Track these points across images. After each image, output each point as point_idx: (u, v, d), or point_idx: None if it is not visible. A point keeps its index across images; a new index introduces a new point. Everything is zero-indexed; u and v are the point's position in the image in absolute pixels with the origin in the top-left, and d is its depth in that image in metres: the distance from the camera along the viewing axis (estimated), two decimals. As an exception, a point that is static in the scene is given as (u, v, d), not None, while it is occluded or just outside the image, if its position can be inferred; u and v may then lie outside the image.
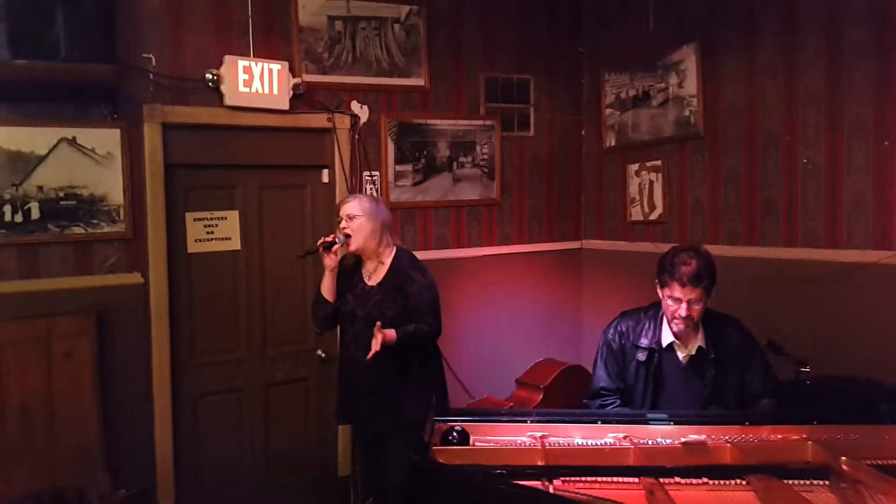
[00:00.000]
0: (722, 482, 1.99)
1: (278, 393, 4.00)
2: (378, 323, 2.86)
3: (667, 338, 2.72)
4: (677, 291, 2.58)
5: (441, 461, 2.06)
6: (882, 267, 3.16)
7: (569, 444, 2.29)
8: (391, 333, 2.89)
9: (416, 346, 2.99)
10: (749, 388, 2.70)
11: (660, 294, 2.69)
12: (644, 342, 2.74)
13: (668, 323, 2.69)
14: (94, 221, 3.38)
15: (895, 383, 2.83)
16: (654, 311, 2.79)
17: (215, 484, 3.82)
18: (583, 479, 2.01)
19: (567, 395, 4.10)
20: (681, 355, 2.73)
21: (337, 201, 3.92)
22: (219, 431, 3.83)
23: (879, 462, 2.04)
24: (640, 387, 2.74)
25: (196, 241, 3.75)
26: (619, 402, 2.77)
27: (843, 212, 3.34)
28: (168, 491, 3.63)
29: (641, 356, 2.73)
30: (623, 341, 2.79)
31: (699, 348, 2.71)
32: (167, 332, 3.60)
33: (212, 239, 3.80)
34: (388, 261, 3.11)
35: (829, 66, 3.35)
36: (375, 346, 2.82)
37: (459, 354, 4.20)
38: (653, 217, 4.34)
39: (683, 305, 2.57)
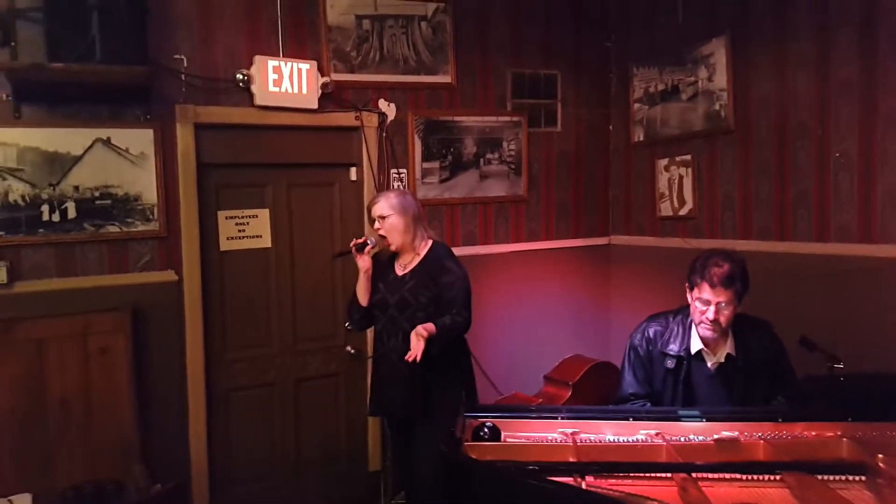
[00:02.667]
0: (755, 478, 1.98)
1: (309, 388, 4.04)
2: (417, 328, 2.84)
3: (696, 345, 2.67)
4: (707, 292, 2.53)
5: (473, 457, 2.08)
6: (918, 261, 3.11)
7: (600, 441, 2.30)
8: (431, 326, 2.88)
9: (452, 338, 3.01)
10: (775, 396, 2.66)
11: (689, 298, 2.65)
12: (673, 349, 2.70)
13: (696, 326, 2.64)
14: (129, 220, 3.45)
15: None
16: (682, 315, 2.74)
17: (248, 477, 3.88)
18: (615, 475, 2.02)
19: (596, 391, 4.08)
20: (709, 363, 2.69)
21: (365, 199, 3.96)
22: (251, 425, 3.89)
23: (916, 459, 2.02)
24: (669, 394, 2.70)
25: (228, 238, 3.81)
26: (648, 404, 2.74)
27: (877, 205, 3.28)
28: (202, 484, 3.69)
29: (670, 364, 2.69)
30: (650, 347, 2.75)
31: (728, 356, 2.66)
32: (201, 328, 3.66)
33: (243, 237, 3.85)
34: (423, 252, 3.15)
35: (863, 57, 3.30)
36: (416, 350, 2.77)
37: (488, 350, 4.21)
38: (682, 212, 4.31)
39: (712, 308, 2.53)
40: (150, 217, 3.49)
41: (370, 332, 3.63)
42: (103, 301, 3.37)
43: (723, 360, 2.67)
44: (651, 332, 2.77)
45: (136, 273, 3.49)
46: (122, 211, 3.43)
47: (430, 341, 2.83)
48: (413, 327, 2.93)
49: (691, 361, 2.68)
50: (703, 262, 2.59)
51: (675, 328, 2.72)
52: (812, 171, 3.55)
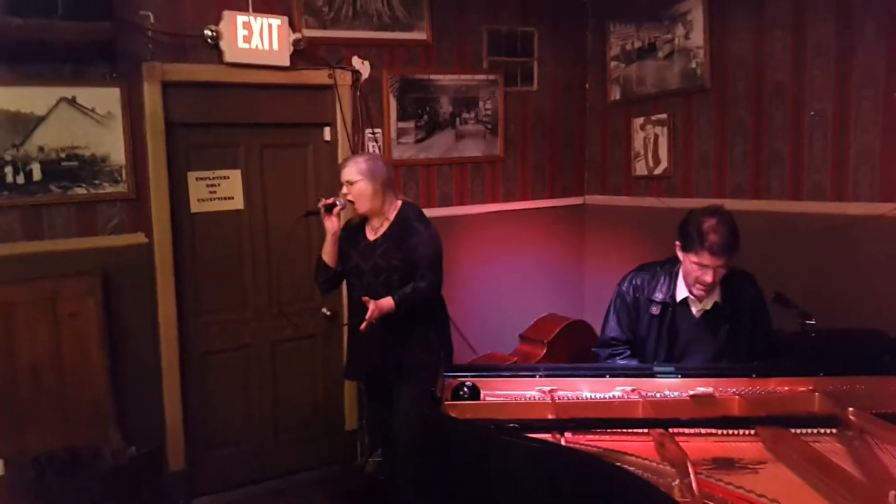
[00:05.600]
0: (730, 433, 2.01)
1: (285, 350, 4.02)
2: (365, 298, 2.89)
3: (681, 292, 2.73)
4: (706, 260, 2.55)
5: (453, 416, 2.09)
6: (888, 219, 3.15)
7: (578, 398, 2.32)
8: (387, 302, 2.91)
9: (417, 303, 3.00)
10: (756, 345, 2.72)
11: (681, 256, 2.67)
12: (658, 296, 2.75)
13: (689, 287, 2.68)
14: (97, 182, 3.36)
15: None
16: (670, 265, 2.79)
17: (224, 439, 3.88)
18: (593, 431, 2.04)
19: (570, 349, 4.13)
20: (694, 310, 2.74)
21: (339, 160, 3.90)
22: (227, 388, 3.87)
23: (884, 412, 2.06)
24: (653, 340, 2.76)
25: (199, 200, 3.73)
26: (628, 352, 2.80)
27: (850, 164, 3.32)
28: (178, 447, 3.68)
29: (655, 310, 2.74)
30: (637, 294, 2.80)
31: (715, 304, 2.71)
32: (173, 291, 3.61)
33: (214, 198, 3.78)
34: (392, 215, 3.11)
35: (839, 16, 3.29)
36: (368, 317, 2.85)
37: (463, 310, 4.22)
38: (658, 171, 4.31)
39: (711, 272, 2.56)
40: (119, 178, 3.40)
41: (345, 295, 3.62)
42: (72, 265, 3.30)
43: (709, 307, 2.72)
44: (638, 280, 2.83)
45: (105, 236, 3.42)
46: (89, 172, 3.34)
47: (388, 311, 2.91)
48: (388, 291, 2.95)
49: (676, 308, 2.74)
50: (698, 226, 2.57)
51: (662, 277, 2.78)
52: (787, 130, 3.57)
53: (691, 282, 2.65)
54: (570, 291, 4.82)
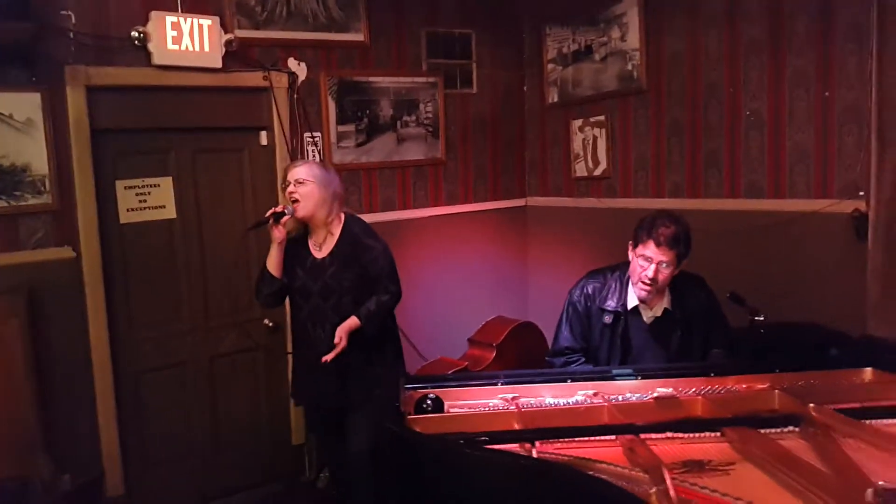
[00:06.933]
0: (697, 435, 2.01)
1: (225, 365, 3.86)
2: (339, 328, 2.83)
3: (632, 300, 2.72)
4: (651, 250, 2.57)
5: (419, 430, 2.02)
6: (824, 215, 3.25)
7: (541, 405, 2.29)
8: (353, 321, 2.85)
9: (385, 316, 2.93)
10: (710, 346, 2.73)
11: (631, 255, 2.68)
12: (610, 305, 2.73)
13: (633, 285, 2.68)
14: (18, 193, 3.14)
15: (840, 328, 2.93)
16: (620, 272, 2.77)
17: (164, 459, 3.69)
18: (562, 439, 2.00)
19: (520, 351, 4.12)
20: (645, 317, 2.73)
21: (278, 165, 3.78)
22: (165, 407, 3.68)
23: (840, 406, 2.10)
24: (605, 348, 2.75)
25: (128, 210, 3.54)
26: (583, 360, 2.78)
27: (786, 162, 3.41)
28: (115, 470, 3.48)
29: (608, 319, 2.73)
30: (589, 304, 2.78)
31: (665, 310, 2.72)
32: (103, 307, 3.41)
33: (145, 208, 3.60)
34: (337, 230, 3.00)
35: (772, 17, 3.38)
36: (338, 349, 2.79)
37: (410, 316, 4.13)
38: (597, 173, 4.35)
39: (653, 266, 2.57)
40: (42, 189, 3.19)
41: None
42: (-8, 283, 3.07)
43: (660, 314, 2.72)
44: (589, 288, 2.80)
45: (28, 251, 3.19)
46: (8, 184, 3.11)
47: (359, 329, 2.84)
48: (339, 315, 2.87)
49: (628, 317, 2.73)
50: (650, 221, 2.63)
51: (613, 284, 2.77)
52: (723, 130, 3.65)
53: (635, 280, 2.65)
54: (514, 292, 4.82)
